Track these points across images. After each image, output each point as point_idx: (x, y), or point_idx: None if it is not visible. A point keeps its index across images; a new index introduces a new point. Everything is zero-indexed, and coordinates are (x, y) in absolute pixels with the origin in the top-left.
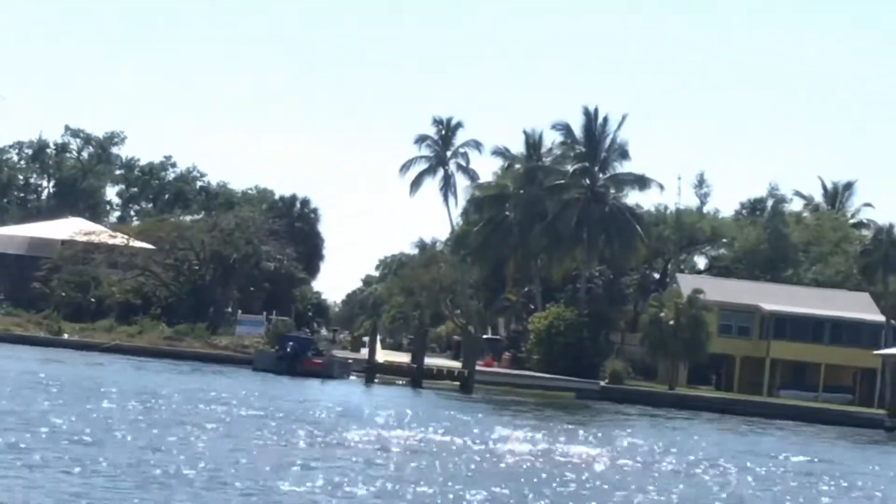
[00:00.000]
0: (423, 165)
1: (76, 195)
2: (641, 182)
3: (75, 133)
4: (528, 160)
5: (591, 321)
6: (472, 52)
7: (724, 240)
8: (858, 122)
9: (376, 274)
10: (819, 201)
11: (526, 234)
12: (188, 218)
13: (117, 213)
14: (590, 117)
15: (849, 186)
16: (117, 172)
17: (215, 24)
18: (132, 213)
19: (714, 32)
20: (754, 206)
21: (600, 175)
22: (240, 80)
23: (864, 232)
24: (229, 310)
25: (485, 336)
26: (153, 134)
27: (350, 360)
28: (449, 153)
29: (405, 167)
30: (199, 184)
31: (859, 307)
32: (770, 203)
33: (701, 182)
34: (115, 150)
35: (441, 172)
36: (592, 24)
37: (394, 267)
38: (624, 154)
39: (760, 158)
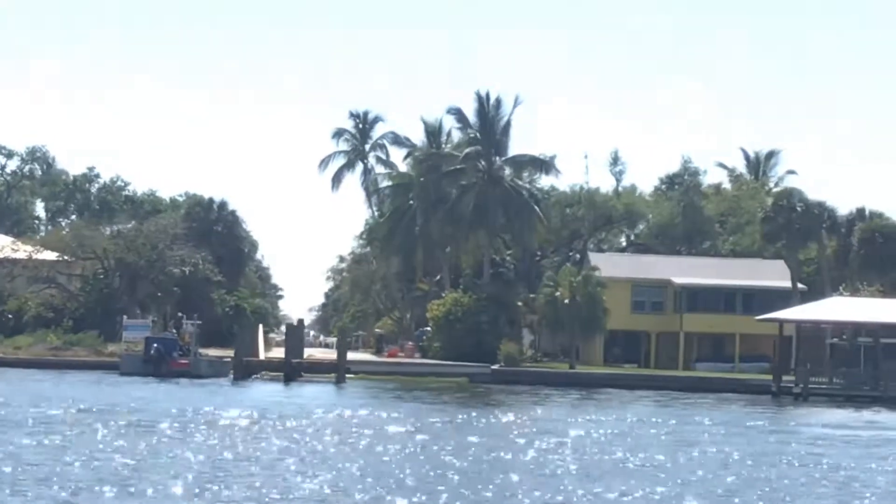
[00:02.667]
0: (341, 160)
1: (1, 212)
2: (538, 163)
3: None
4: (429, 148)
5: (490, 305)
6: (392, 44)
7: (642, 217)
8: (784, 89)
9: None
10: (742, 172)
11: (429, 222)
12: (116, 227)
13: (48, 228)
14: (482, 101)
15: (772, 155)
16: (42, 187)
17: (127, 28)
18: (62, 226)
19: (626, 10)
20: (672, 181)
21: (496, 158)
22: (155, 85)
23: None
24: (147, 318)
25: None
26: (75, 146)
27: (227, 359)
28: (367, 147)
29: (324, 163)
30: (124, 193)
31: (775, 275)
32: (686, 177)
33: (616, 160)
34: (37, 164)
35: (360, 166)
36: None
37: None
38: (506, 135)
39: (681, 133)
